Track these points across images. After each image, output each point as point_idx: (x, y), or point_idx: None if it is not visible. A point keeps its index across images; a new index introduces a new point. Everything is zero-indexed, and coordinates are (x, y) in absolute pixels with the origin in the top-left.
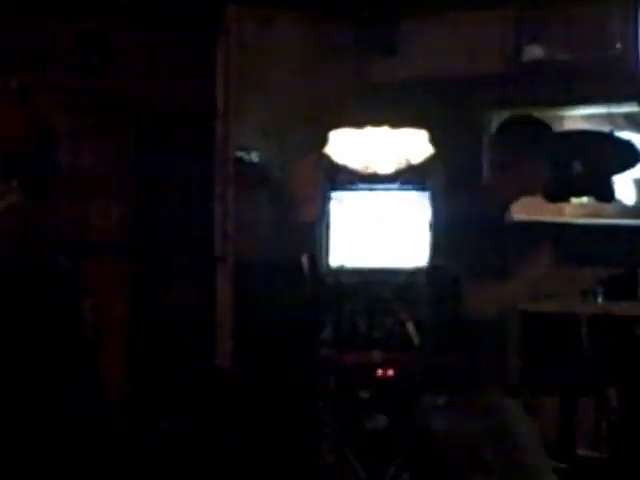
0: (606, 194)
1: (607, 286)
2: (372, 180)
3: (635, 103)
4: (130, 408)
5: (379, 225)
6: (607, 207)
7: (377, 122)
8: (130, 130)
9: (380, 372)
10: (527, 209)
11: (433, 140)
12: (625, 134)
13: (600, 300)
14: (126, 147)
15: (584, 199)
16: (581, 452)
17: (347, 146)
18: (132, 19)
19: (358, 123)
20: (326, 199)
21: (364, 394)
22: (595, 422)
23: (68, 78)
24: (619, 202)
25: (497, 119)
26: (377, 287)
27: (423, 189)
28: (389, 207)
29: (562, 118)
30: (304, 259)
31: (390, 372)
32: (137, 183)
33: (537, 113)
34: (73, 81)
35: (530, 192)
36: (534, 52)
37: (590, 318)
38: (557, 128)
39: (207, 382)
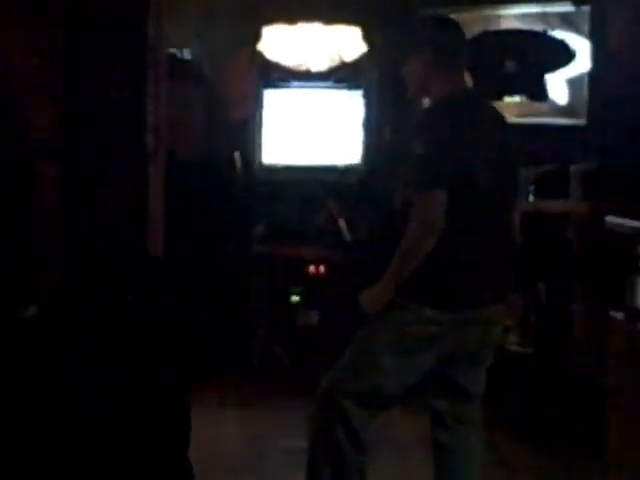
0: (539, 93)
1: (538, 184)
2: (305, 77)
3: (569, 3)
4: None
5: (312, 123)
6: (540, 106)
7: (310, 18)
8: (61, 27)
9: (312, 269)
10: None
11: (367, 37)
12: (559, 34)
13: (531, 198)
14: (58, 45)
15: (517, 98)
16: (509, 348)
17: (280, 43)
18: None
19: (291, 19)
20: (259, 96)
21: (296, 290)
22: (523, 318)
23: None
24: (552, 101)
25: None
26: (309, 185)
27: (356, 87)
28: (322, 105)
29: (498, 17)
30: (236, 156)
31: (321, 269)
32: (69, 81)
33: (474, 12)
34: None
35: None
36: None
37: (521, 215)
38: (493, 27)
39: (139, 270)
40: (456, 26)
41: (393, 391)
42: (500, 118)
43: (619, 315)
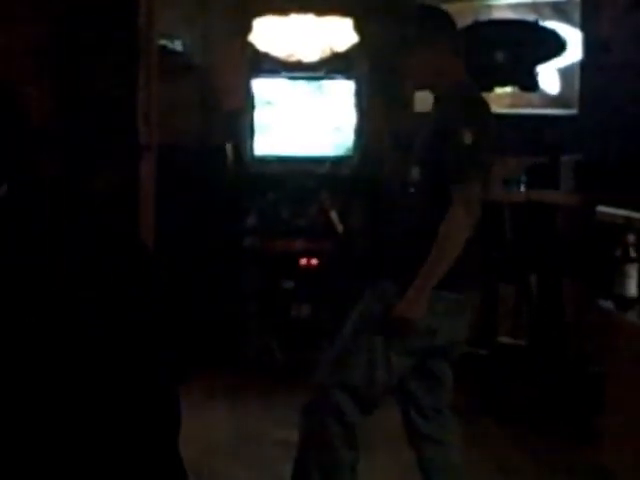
0: (530, 83)
1: (529, 175)
2: (296, 68)
3: None
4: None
5: (303, 114)
6: (531, 96)
7: (302, 10)
8: (50, 15)
9: (303, 261)
10: None
11: (357, 28)
12: (550, 23)
13: (522, 188)
14: (46, 31)
15: (508, 88)
16: (502, 340)
17: (271, 34)
18: None
19: (283, 10)
20: (250, 87)
21: (288, 283)
22: (515, 310)
23: None
24: (543, 91)
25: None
26: (301, 176)
27: (347, 77)
28: (313, 96)
29: (489, 7)
30: (228, 147)
31: (313, 261)
32: (58, 71)
33: (465, 2)
34: None
35: None
36: None
37: (512, 206)
38: (484, 17)
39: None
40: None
41: (385, 383)
42: None
43: (608, 304)
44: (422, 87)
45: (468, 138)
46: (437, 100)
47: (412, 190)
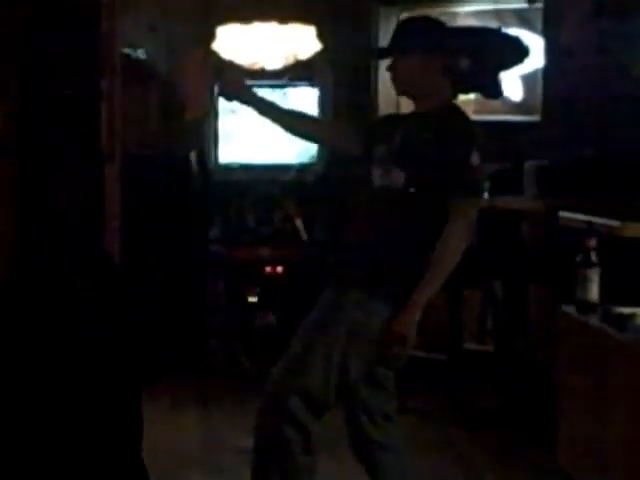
0: (493, 90)
1: (493, 181)
2: (260, 76)
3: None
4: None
5: (267, 121)
6: (494, 103)
7: (265, 17)
8: (12, 24)
9: (269, 269)
10: None
11: (321, 36)
12: (513, 31)
13: (486, 195)
14: (9, 43)
15: (471, 95)
16: (467, 346)
17: (235, 42)
18: None
19: (246, 18)
20: (213, 95)
21: (253, 291)
22: (480, 316)
23: None
24: (506, 98)
25: (385, 14)
26: (265, 184)
27: (311, 85)
28: (277, 103)
29: (454, 15)
30: (192, 155)
31: (278, 269)
32: (20, 81)
33: (427, 10)
34: None
35: None
36: None
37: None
38: (448, 25)
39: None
40: None
41: (339, 387)
42: None
43: (570, 309)
44: (419, 98)
45: (476, 159)
46: (424, 115)
47: (394, 195)
